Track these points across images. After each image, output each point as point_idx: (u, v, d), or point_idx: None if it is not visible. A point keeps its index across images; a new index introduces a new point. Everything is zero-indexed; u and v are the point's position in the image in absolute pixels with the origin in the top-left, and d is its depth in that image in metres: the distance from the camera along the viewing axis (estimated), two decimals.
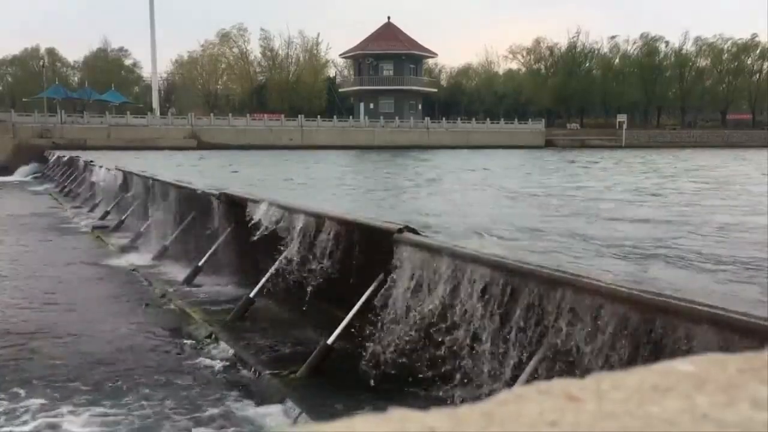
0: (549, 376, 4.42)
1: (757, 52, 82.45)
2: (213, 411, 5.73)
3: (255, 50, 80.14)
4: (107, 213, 17.77)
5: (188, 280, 10.27)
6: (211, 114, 60.30)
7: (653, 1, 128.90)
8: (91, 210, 19.50)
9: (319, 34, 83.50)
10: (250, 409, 5.80)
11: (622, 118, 72.66)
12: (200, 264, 10.39)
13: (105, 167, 19.78)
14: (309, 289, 7.47)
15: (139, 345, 7.51)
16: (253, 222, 8.72)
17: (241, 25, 78.60)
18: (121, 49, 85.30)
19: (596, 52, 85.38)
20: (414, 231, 6.30)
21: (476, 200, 15.18)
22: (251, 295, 8.36)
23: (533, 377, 4.55)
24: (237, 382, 6.45)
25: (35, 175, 36.33)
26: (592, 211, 13.24)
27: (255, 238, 8.56)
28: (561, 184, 20.03)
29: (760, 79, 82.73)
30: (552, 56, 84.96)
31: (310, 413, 5.52)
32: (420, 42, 74.69)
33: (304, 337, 7.38)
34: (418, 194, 16.57)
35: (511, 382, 4.73)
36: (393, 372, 5.66)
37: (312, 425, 0.64)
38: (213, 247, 10.37)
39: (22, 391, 6.03)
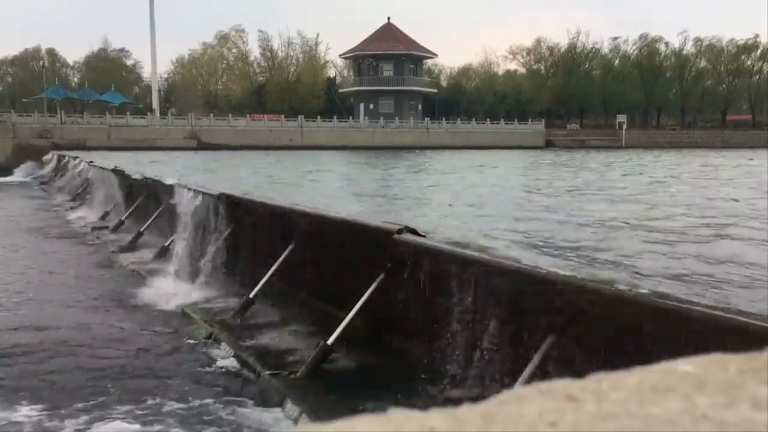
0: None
1: (757, 52, 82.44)
2: (213, 411, 5.73)
3: (254, 51, 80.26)
4: (107, 213, 17.76)
5: (188, 281, 10.26)
6: (211, 114, 60.27)
7: (653, 1, 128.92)
8: None
9: (318, 35, 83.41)
10: (250, 410, 5.80)
11: (621, 118, 72.67)
12: (200, 264, 10.38)
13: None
14: None
15: (138, 346, 7.51)
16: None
17: (239, 27, 78.69)
18: (121, 50, 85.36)
19: (596, 52, 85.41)
20: (414, 231, 6.31)
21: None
22: (251, 295, 8.36)
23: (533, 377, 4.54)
24: (237, 382, 6.45)
25: (35, 175, 36.32)
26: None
27: None
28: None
29: (760, 79, 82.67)
30: (552, 57, 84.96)
31: (310, 413, 5.52)
32: (420, 42, 74.68)
33: (304, 337, 7.38)
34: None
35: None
36: None
37: (312, 425, 0.64)
38: (213, 248, 10.36)
39: (20, 392, 6.03)
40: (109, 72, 76.77)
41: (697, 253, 8.19)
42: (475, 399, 0.70)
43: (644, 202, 13.60)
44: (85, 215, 18.72)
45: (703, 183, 20.08)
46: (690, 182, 19.62)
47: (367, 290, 6.53)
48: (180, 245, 11.30)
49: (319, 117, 61.60)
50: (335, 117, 63.22)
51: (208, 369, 6.80)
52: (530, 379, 4.44)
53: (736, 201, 13.96)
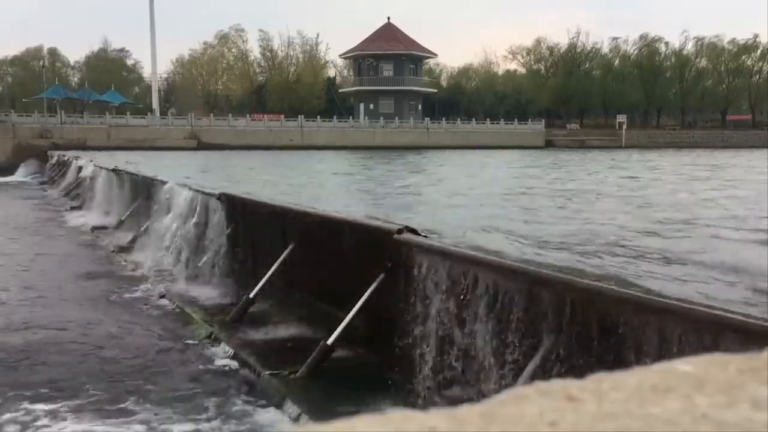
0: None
1: (758, 52, 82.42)
2: (213, 411, 5.73)
3: (254, 50, 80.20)
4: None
5: (188, 281, 10.27)
6: (211, 114, 60.22)
7: (653, 1, 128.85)
8: None
9: (318, 35, 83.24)
10: (250, 409, 5.80)
11: (621, 118, 72.65)
12: (200, 264, 10.39)
13: None
14: None
15: (138, 345, 7.51)
16: None
17: (239, 26, 78.63)
18: (122, 50, 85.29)
19: (596, 52, 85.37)
20: (414, 231, 6.30)
21: None
22: (251, 295, 8.36)
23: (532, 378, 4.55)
24: (237, 382, 6.45)
25: (35, 175, 36.35)
26: None
27: None
28: None
29: (760, 79, 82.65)
30: (552, 56, 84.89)
31: (310, 413, 5.53)
32: (420, 42, 74.67)
33: (304, 337, 7.38)
34: None
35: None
36: None
37: (312, 425, 0.64)
38: (213, 248, 10.37)
39: (22, 392, 6.03)
40: (109, 72, 76.69)
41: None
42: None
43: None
44: None
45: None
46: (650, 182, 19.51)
47: (367, 290, 6.53)
48: (178, 245, 11.31)
49: (319, 117, 61.54)
50: (335, 117, 63.16)
51: (208, 368, 6.80)
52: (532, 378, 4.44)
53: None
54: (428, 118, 66.99)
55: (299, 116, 59.56)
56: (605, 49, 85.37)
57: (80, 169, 24.25)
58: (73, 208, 20.78)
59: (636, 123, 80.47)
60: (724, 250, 6.94)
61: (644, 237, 7.81)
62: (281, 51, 79.40)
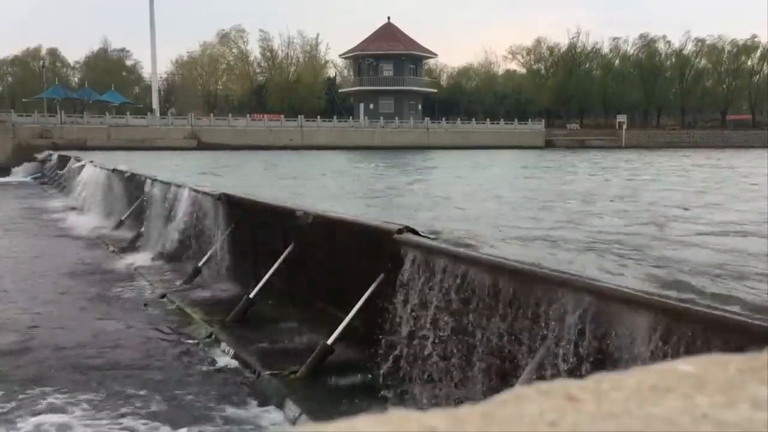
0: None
1: (757, 53, 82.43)
2: (213, 411, 5.73)
3: (254, 51, 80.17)
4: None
5: (188, 281, 10.27)
6: (211, 114, 60.21)
7: (653, 1, 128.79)
8: None
9: (318, 35, 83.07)
10: (250, 410, 5.80)
11: (622, 118, 72.63)
12: (200, 264, 10.38)
13: None
14: None
15: (138, 345, 7.51)
16: None
17: (240, 26, 78.61)
18: (122, 50, 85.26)
19: (596, 52, 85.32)
20: (414, 231, 6.31)
21: None
22: (251, 295, 8.36)
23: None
24: (237, 382, 6.45)
25: (35, 175, 36.30)
26: None
27: None
28: None
29: (759, 79, 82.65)
30: (552, 56, 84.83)
31: (310, 413, 5.52)
32: (420, 42, 74.66)
33: (304, 337, 7.38)
34: None
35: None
36: None
37: (312, 425, 0.64)
38: (213, 248, 10.37)
39: (22, 391, 6.03)
40: (109, 72, 76.64)
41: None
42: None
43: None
44: None
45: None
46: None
47: (367, 290, 6.53)
48: (178, 244, 11.31)
49: (319, 117, 61.52)
50: (335, 117, 63.15)
51: (208, 369, 6.80)
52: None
53: None
54: (428, 118, 66.97)
55: (299, 116, 59.57)
56: (605, 49, 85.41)
57: (78, 169, 24.24)
58: (72, 208, 20.76)
59: (636, 123, 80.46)
60: None
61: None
62: (281, 51, 79.43)
